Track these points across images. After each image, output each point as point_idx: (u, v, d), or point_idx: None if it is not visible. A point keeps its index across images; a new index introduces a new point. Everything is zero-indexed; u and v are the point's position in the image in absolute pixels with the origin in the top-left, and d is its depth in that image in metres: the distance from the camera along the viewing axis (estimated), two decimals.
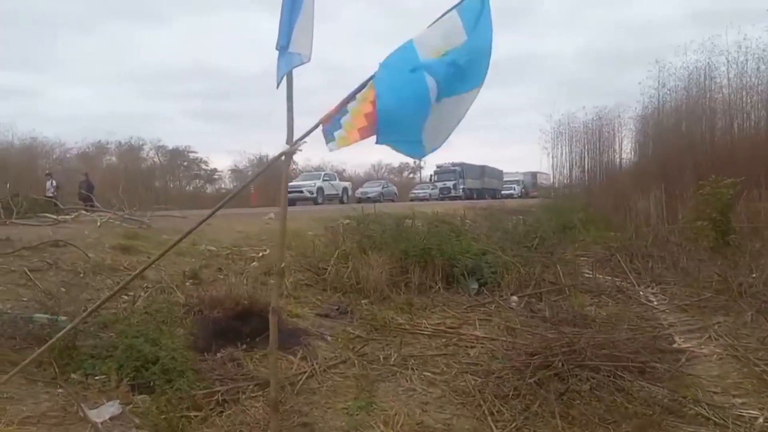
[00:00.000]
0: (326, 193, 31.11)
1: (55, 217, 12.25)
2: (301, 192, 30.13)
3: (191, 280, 8.37)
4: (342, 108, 4.20)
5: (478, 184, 52.18)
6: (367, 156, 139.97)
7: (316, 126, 4.31)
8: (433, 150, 4.21)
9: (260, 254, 10.29)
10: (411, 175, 76.99)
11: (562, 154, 36.38)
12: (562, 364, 5.97)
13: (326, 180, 32.27)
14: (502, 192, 57.97)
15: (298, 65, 4.22)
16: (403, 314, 8.42)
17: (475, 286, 9.99)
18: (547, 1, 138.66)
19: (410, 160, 79.11)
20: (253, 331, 6.25)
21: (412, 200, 42.68)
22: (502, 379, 5.91)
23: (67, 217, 12.23)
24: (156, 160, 53.32)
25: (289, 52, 4.25)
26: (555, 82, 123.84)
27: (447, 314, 8.60)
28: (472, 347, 6.85)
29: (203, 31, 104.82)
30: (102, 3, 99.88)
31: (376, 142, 4.00)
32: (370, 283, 8.83)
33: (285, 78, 4.38)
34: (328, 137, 4.12)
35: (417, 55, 3.94)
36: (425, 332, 7.48)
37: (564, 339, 6.55)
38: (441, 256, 9.79)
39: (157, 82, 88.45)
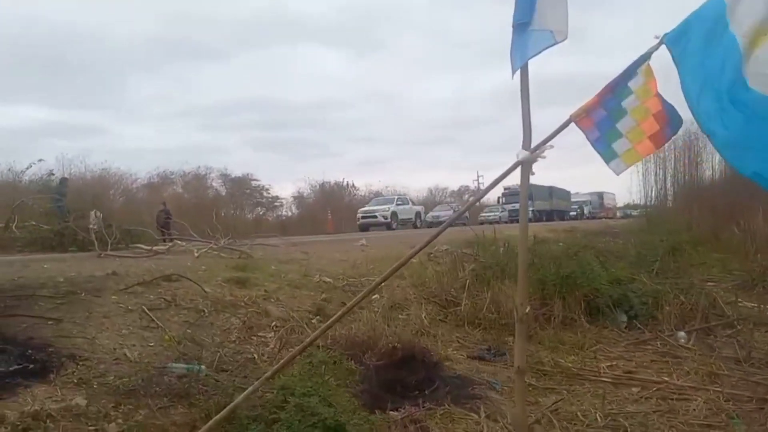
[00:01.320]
0: (400, 217, 30.13)
1: (149, 247, 11.54)
2: (375, 217, 29.27)
3: (317, 317, 7.44)
4: (606, 102, 3.17)
5: (547, 205, 50.52)
6: (420, 178, 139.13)
7: (565, 124, 3.29)
8: None
9: (383, 285, 9.31)
10: (470, 198, 75.64)
11: (653, 170, 34.54)
12: None
13: (400, 204, 31.30)
14: (570, 213, 56.26)
15: (550, 46, 3.21)
16: (561, 354, 7.30)
17: (624, 318, 8.79)
18: (605, 23, 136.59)
19: (471, 183, 78.10)
20: (420, 382, 5.23)
21: (481, 223, 41.44)
22: None
23: (162, 247, 11.50)
24: (220, 189, 53.40)
25: (532, 29, 3.25)
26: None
27: (610, 354, 7.44)
28: (679, 400, 5.66)
29: (258, 65, 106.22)
30: (166, 45, 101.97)
31: (741, 172, 2.75)
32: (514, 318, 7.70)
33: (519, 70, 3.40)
34: (605, 152, 3.09)
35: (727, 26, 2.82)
36: (604, 378, 6.33)
37: None
38: (586, 285, 8.62)
39: (215, 115, 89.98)
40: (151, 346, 5.71)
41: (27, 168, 14.95)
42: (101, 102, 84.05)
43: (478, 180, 79.12)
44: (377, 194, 61.98)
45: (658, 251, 15.33)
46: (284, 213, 56.61)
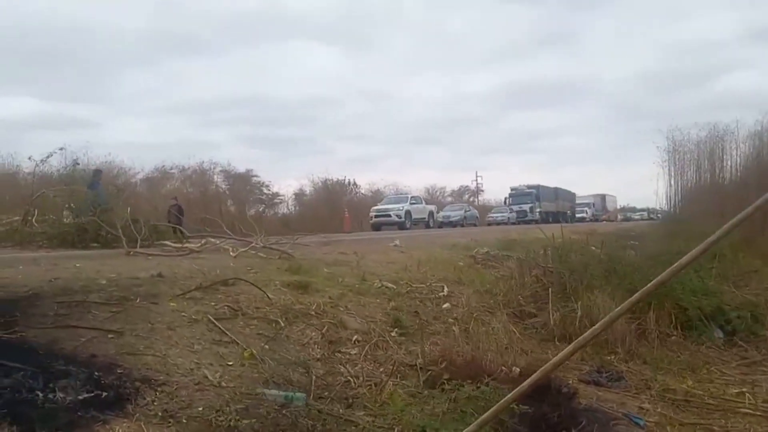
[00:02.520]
0: (414, 217, 29.20)
1: (178, 245, 10.61)
2: (389, 216, 28.30)
3: (395, 329, 6.55)
4: None
5: (552, 207, 49.73)
6: (412, 177, 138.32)
7: None
8: None
9: (444, 291, 8.44)
10: (471, 199, 74.95)
11: (677, 173, 33.95)
12: None
13: (413, 203, 30.29)
14: (577, 215, 55.60)
15: None
16: (672, 376, 6.45)
17: (721, 334, 7.96)
18: (596, 25, 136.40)
19: (471, 183, 77.35)
20: (564, 419, 4.36)
21: (489, 224, 40.66)
22: None
23: (192, 245, 10.56)
24: (222, 185, 52.32)
25: None
26: (606, 104, 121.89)
27: (729, 377, 6.60)
28: None
29: (250, 62, 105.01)
30: (159, 39, 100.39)
31: None
32: (614, 334, 6.86)
33: None
34: None
35: None
36: (751, 410, 5.47)
37: None
38: (683, 296, 7.76)
39: (207, 111, 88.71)
40: (230, 365, 4.82)
41: (47, 157, 13.80)
42: (92, 95, 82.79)
43: (476, 180, 78.42)
44: (377, 192, 61.10)
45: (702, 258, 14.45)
46: (285, 210, 55.59)
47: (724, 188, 31.21)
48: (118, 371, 4.24)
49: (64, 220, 10.53)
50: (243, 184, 52.63)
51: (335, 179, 54.04)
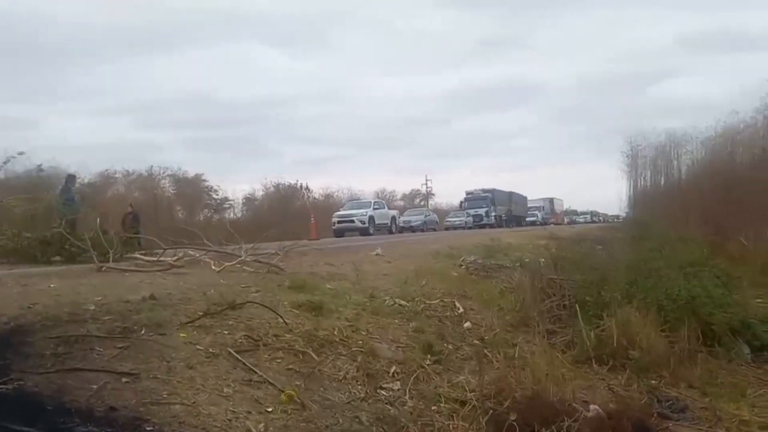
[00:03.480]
0: (377, 222, 28.50)
1: (152, 258, 9.69)
2: (352, 222, 27.53)
3: (428, 356, 5.88)
4: None
5: (506, 210, 49.87)
6: (364, 180, 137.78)
7: None
8: None
9: (459, 308, 7.80)
10: (422, 202, 74.85)
11: (638, 176, 34.73)
12: None
13: (377, 208, 29.57)
14: (527, 219, 55.94)
15: None
16: (726, 401, 5.97)
17: (748, 350, 7.56)
18: (538, 31, 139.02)
19: (421, 186, 77.15)
20: None
21: (446, 228, 40.35)
22: None
23: (167, 258, 9.64)
24: (169, 189, 50.66)
25: None
26: (548, 107, 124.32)
27: None
28: None
29: (198, 61, 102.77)
30: (104, 36, 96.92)
31: None
32: (656, 356, 6.34)
33: None
34: None
35: None
36: None
37: None
38: (714, 311, 7.33)
39: (152, 111, 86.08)
40: (270, 412, 4.09)
41: (4, 163, 12.54)
42: (32, 94, 79.39)
43: (426, 184, 78.38)
44: (330, 197, 60.18)
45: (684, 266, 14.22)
46: (233, 215, 54.04)
47: (679, 191, 31.81)
48: (148, 429, 3.46)
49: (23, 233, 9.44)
50: (191, 189, 51.09)
51: (287, 183, 53.01)
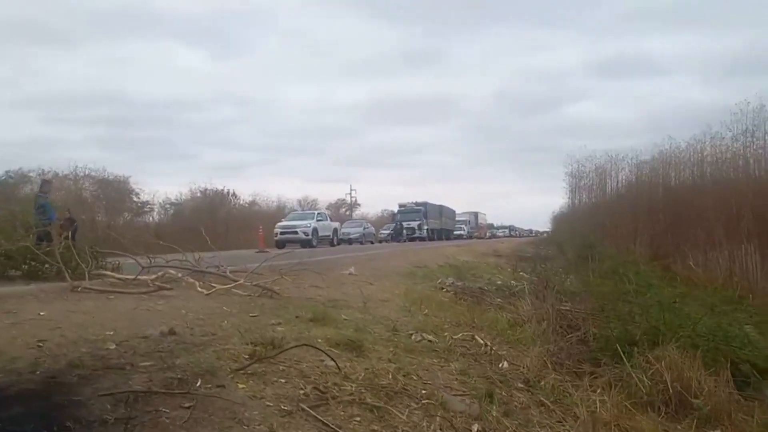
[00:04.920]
0: (320, 234, 27.68)
1: (127, 277, 8.80)
2: (296, 233, 26.61)
3: (493, 407, 5.37)
4: None
5: (437, 224, 49.98)
6: (284, 187, 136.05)
7: None
8: None
9: (485, 344, 7.33)
10: (347, 212, 74.42)
11: (575, 193, 36.07)
12: None
13: (320, 220, 28.72)
14: (455, 233, 56.39)
15: None
16: None
17: None
18: (459, 49, 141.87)
19: (345, 196, 76.68)
20: None
21: (380, 241, 40.03)
22: None
23: (147, 277, 8.76)
24: (88, 190, 48.00)
25: None
26: (465, 123, 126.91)
27: None
28: None
29: (110, 58, 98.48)
30: (8, 26, 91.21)
31: None
32: (713, 402, 6.06)
33: None
34: None
35: None
36: None
37: None
38: (745, 351, 7.15)
39: (60, 108, 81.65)
40: None
41: None
42: None
43: (351, 194, 78.05)
44: (254, 204, 58.65)
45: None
46: (152, 219, 51.66)
47: (607, 205, 32.82)
48: None
49: None
50: (113, 191, 48.62)
51: (214, 189, 51.30)
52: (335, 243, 29.26)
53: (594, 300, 8.74)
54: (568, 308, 8.77)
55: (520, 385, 6.18)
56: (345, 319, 7.20)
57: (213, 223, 43.75)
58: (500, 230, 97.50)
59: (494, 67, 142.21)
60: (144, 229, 44.88)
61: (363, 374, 5.10)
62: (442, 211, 52.54)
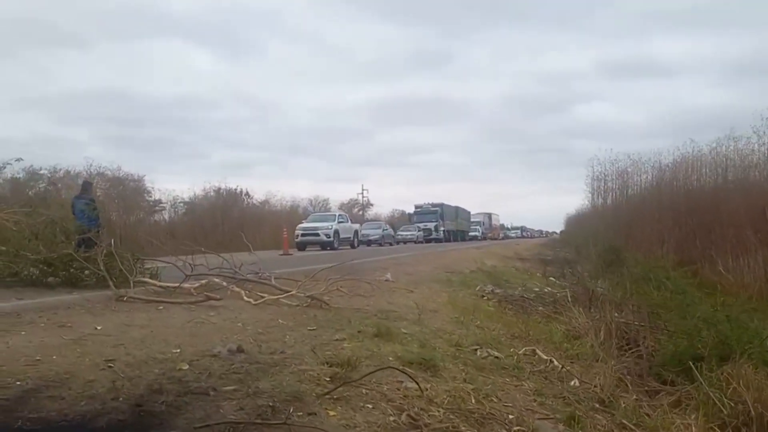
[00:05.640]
0: (341, 236, 27.41)
1: (168, 285, 8.55)
2: (317, 235, 26.38)
3: None
4: None
5: (453, 225, 49.68)
6: (293, 187, 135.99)
7: None
8: None
9: (549, 360, 7.03)
10: (360, 212, 74.09)
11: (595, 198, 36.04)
12: None
13: (341, 222, 28.46)
14: (471, 234, 56.09)
15: None
16: None
17: None
18: (469, 51, 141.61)
19: (357, 195, 76.34)
20: None
21: (398, 242, 39.73)
22: None
23: (188, 285, 8.51)
24: (99, 188, 47.73)
25: None
26: (476, 125, 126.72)
27: None
28: None
29: (120, 57, 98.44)
30: (21, 27, 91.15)
31: None
32: None
33: None
34: None
35: None
36: None
37: None
38: None
39: (69, 107, 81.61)
40: None
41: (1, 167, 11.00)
42: None
43: (363, 194, 77.73)
44: (266, 203, 58.22)
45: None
46: (163, 218, 51.32)
47: (630, 208, 32.49)
48: None
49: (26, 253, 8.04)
50: (126, 189, 48.43)
51: (228, 188, 50.94)
52: (356, 245, 28.99)
53: (645, 311, 8.43)
54: (624, 320, 8.46)
55: (596, 405, 5.90)
56: (404, 333, 6.92)
57: (227, 223, 43.63)
58: (512, 231, 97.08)
59: (505, 69, 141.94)
60: (156, 227, 44.87)
61: (446, 398, 4.82)
62: (458, 213, 52.23)
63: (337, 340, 6.06)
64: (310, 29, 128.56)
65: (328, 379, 4.61)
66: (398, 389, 4.80)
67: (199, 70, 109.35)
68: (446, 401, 4.74)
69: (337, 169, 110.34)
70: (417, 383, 4.80)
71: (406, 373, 4.88)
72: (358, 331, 6.51)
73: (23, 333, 5.44)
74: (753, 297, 15.51)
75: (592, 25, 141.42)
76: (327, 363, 5.01)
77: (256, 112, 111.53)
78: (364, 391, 4.59)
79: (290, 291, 8.09)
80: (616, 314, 9.14)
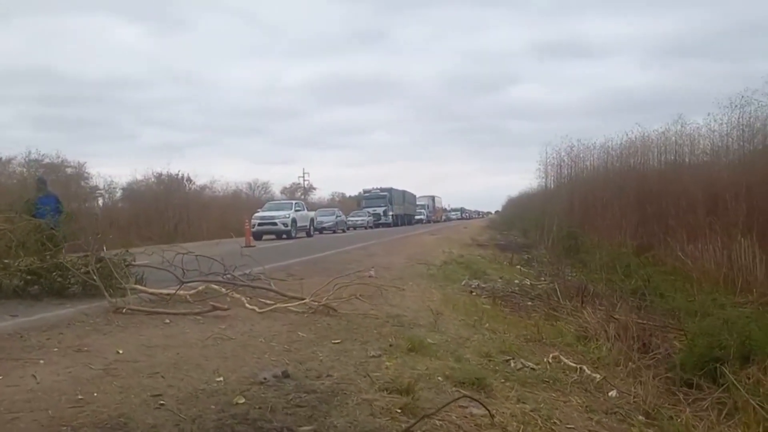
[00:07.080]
0: (299, 224, 26.82)
1: (162, 291, 8.07)
2: (275, 224, 25.72)
3: None
4: None
5: (401, 210, 49.61)
6: (229, 168, 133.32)
7: None
8: None
9: (581, 369, 6.87)
10: (302, 196, 73.26)
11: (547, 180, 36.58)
12: None
13: (298, 210, 27.83)
14: (416, 217, 56.20)
15: None
16: None
17: None
18: (404, 27, 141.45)
19: (299, 179, 75.40)
20: None
21: (348, 228, 39.37)
22: None
23: (184, 292, 8.03)
24: (26, 175, 45.23)
25: None
26: (413, 104, 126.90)
27: None
28: None
29: (42, 33, 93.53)
30: None
31: None
32: None
33: None
34: None
35: None
36: None
37: None
38: None
39: None
40: None
41: None
42: None
43: (304, 177, 76.94)
44: (205, 188, 56.48)
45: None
46: (98, 205, 49.15)
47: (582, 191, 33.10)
48: None
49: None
50: (65, 177, 46.19)
51: (169, 173, 49.22)
52: (311, 233, 28.50)
53: (656, 308, 8.41)
54: (643, 323, 8.41)
55: (641, 418, 5.78)
56: (431, 343, 6.66)
57: (170, 210, 42.21)
58: (453, 213, 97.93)
59: (441, 47, 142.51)
60: (95, 216, 43.01)
61: (516, 424, 4.59)
62: (405, 197, 52.22)
63: (373, 357, 5.74)
64: (246, 5, 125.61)
65: (399, 410, 4.30)
66: (466, 416, 4.54)
67: (128, 46, 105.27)
68: (519, 429, 4.51)
69: (275, 150, 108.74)
70: (487, 409, 4.55)
71: (476, 400, 4.60)
72: (390, 345, 6.20)
73: (42, 362, 4.92)
74: (720, 283, 15.90)
75: (527, 3, 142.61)
76: (386, 390, 4.69)
77: (188, 92, 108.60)
78: (437, 422, 4.31)
79: (301, 298, 7.66)
80: (615, 312, 9.10)
